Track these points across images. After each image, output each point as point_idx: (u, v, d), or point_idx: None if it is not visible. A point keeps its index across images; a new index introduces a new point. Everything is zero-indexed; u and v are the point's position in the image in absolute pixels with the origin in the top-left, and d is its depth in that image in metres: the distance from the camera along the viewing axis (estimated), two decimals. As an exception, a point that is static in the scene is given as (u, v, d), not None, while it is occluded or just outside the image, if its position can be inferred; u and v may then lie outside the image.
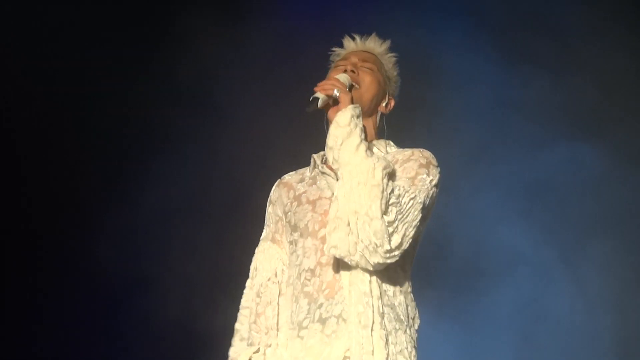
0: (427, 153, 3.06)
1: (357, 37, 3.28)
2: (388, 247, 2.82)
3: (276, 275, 3.13)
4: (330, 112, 2.98)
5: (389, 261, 2.85)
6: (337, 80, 3.02)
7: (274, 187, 3.25)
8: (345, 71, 3.13)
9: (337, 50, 3.30)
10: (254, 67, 5.39)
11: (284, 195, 3.18)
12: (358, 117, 2.93)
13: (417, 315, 3.06)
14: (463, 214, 5.18)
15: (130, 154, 5.45)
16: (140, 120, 5.43)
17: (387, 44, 3.28)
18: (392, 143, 3.19)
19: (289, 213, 3.12)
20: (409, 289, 3.05)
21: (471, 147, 5.24)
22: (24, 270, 5.43)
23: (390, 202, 2.83)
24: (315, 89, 2.99)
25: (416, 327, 3.04)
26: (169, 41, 5.42)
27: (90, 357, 5.40)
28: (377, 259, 2.83)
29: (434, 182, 3.01)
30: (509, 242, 5.20)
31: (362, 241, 2.82)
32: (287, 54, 5.36)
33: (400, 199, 2.87)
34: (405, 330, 2.96)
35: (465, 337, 5.19)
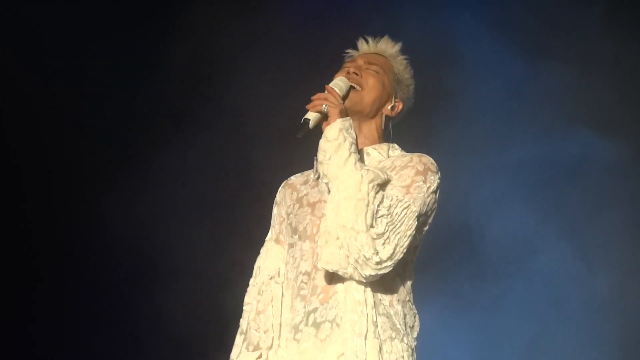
0: (426, 159, 3.04)
1: (370, 39, 3.27)
2: (378, 259, 2.84)
3: (279, 275, 3.15)
4: (324, 126, 2.99)
5: (381, 272, 2.86)
6: (332, 90, 3.03)
7: (280, 189, 3.26)
8: (348, 72, 3.14)
9: (350, 51, 3.29)
10: (263, 63, 5.36)
11: (288, 196, 3.20)
12: (348, 129, 2.94)
13: (416, 323, 3.06)
14: (467, 202, 5.22)
15: (135, 149, 5.43)
16: (145, 115, 5.42)
17: (399, 46, 3.27)
18: (396, 146, 3.18)
19: (291, 215, 3.14)
20: (408, 297, 3.04)
21: (483, 135, 5.26)
22: (25, 267, 5.45)
23: (380, 214, 2.85)
24: (307, 106, 3.00)
25: (415, 335, 3.04)
26: (176, 35, 5.41)
27: (94, 351, 5.41)
28: (369, 271, 2.85)
29: (431, 189, 3.00)
30: (515, 231, 5.24)
31: (352, 254, 2.84)
32: (300, 47, 5.33)
33: (392, 209, 2.88)
34: (402, 339, 2.96)
35: (481, 324, 5.25)
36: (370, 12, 5.25)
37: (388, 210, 2.87)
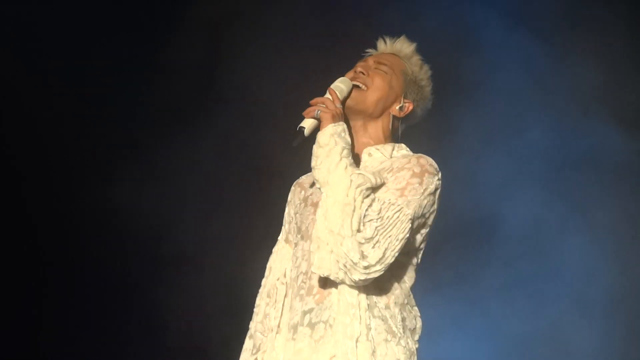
0: (424, 160, 3.03)
1: (388, 39, 3.27)
2: (366, 263, 2.86)
3: (285, 276, 3.17)
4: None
5: (371, 276, 2.88)
6: (332, 92, 3.05)
7: (291, 188, 3.28)
8: (355, 72, 3.15)
9: (369, 51, 3.30)
10: (275, 55, 5.31)
11: (296, 195, 3.22)
12: (340, 134, 2.96)
13: (418, 326, 3.06)
14: (481, 190, 5.25)
15: (144, 143, 5.39)
16: (154, 110, 5.39)
17: (414, 46, 3.25)
18: (403, 147, 3.17)
19: (297, 214, 3.17)
20: (406, 300, 3.04)
21: (500, 124, 5.27)
22: (26, 266, 5.44)
23: (368, 218, 2.87)
24: (304, 113, 3.03)
25: (416, 337, 3.05)
26: (185, 27, 5.37)
27: (97, 350, 5.40)
28: (358, 275, 2.87)
29: (428, 191, 2.99)
30: (530, 220, 5.26)
31: (341, 259, 2.86)
32: (314, 38, 5.26)
33: (383, 213, 2.89)
34: (399, 342, 2.96)
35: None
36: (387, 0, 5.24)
37: (378, 214, 2.88)
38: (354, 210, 2.85)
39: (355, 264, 2.84)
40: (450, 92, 4.88)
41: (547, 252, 5.22)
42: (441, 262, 5.00)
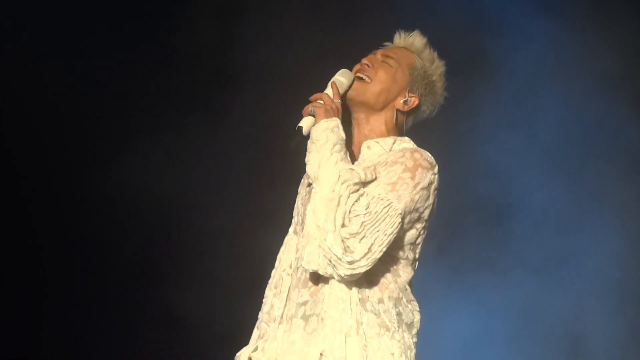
0: (418, 154, 3.03)
1: (402, 33, 3.27)
2: (350, 259, 2.87)
3: (290, 267, 3.17)
4: None
5: (357, 271, 2.89)
6: (333, 85, 3.06)
7: (302, 180, 3.28)
8: (361, 64, 3.16)
9: (386, 44, 3.29)
10: (286, 40, 5.30)
11: (304, 188, 3.23)
12: (333, 129, 2.97)
13: (416, 320, 3.06)
14: (501, 178, 5.28)
15: (154, 130, 5.37)
16: (163, 95, 5.39)
17: (425, 40, 3.24)
18: (407, 140, 3.16)
19: (302, 206, 3.18)
20: (401, 295, 3.03)
21: (519, 110, 5.29)
22: (27, 264, 5.42)
23: (355, 213, 2.88)
24: (302, 111, 3.05)
25: (414, 332, 3.05)
26: (199, 10, 5.36)
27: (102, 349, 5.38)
28: (343, 270, 2.88)
29: (421, 185, 2.98)
30: (550, 208, 5.30)
31: (327, 254, 2.88)
32: (330, 21, 5.24)
33: (370, 207, 2.89)
34: (393, 336, 2.96)
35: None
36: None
37: (366, 209, 2.88)
38: (337, 206, 2.86)
39: (339, 258, 2.85)
40: (469, 75, 4.90)
41: (565, 236, 5.24)
42: (459, 246, 5.06)
